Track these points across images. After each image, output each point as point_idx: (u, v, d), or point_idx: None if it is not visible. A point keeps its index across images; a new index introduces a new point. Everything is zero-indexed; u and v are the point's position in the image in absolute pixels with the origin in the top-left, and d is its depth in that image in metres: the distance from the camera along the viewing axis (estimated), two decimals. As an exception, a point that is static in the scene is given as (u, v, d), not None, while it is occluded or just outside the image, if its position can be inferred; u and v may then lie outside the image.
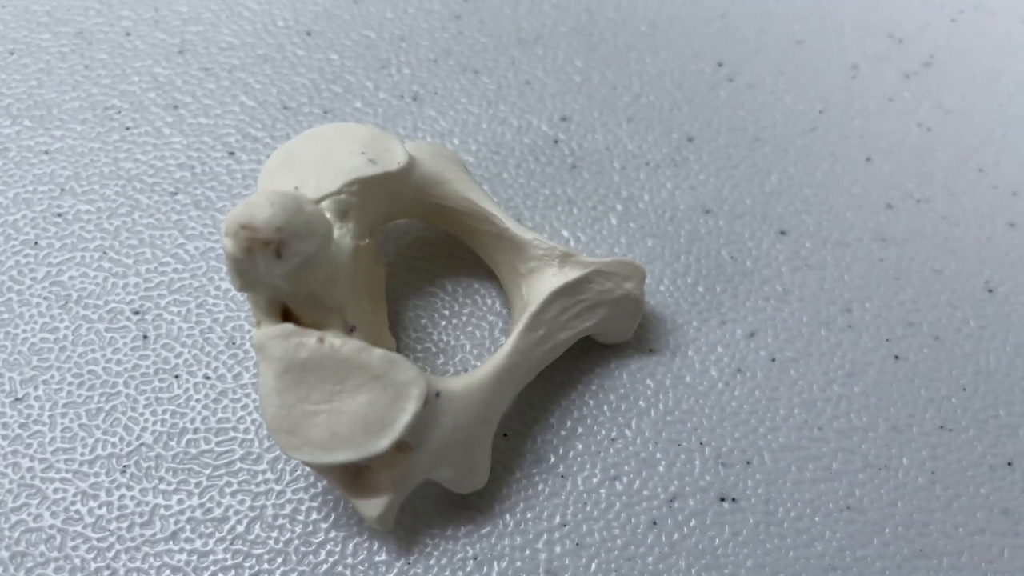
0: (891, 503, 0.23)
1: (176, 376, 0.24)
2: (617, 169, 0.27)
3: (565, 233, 0.26)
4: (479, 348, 0.25)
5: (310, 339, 0.20)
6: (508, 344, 0.22)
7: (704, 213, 0.27)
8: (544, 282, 0.23)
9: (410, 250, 0.26)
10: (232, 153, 0.27)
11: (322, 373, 0.20)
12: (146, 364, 0.24)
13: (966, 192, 0.28)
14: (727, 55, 0.30)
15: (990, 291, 0.26)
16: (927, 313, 0.26)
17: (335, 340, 0.20)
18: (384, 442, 0.20)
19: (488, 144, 0.28)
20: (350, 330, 0.21)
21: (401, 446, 0.20)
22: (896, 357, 0.25)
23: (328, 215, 0.21)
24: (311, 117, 0.28)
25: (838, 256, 0.26)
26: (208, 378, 0.24)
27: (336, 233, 0.21)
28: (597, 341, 0.24)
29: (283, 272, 0.19)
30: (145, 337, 0.25)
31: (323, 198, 0.22)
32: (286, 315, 0.21)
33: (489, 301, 0.25)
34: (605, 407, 0.24)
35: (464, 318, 0.25)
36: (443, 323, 0.25)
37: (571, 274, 0.23)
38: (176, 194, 0.27)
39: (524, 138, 0.28)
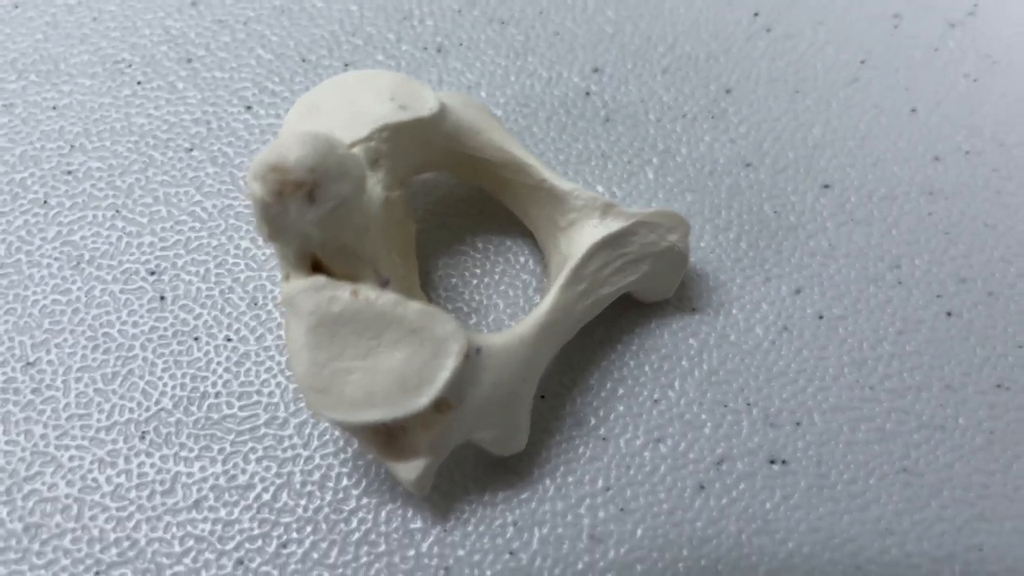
0: (948, 465, 0.22)
1: (196, 339, 0.23)
2: (652, 121, 0.26)
3: (600, 188, 0.25)
4: (512, 308, 0.24)
5: (344, 292, 0.19)
6: (549, 299, 0.21)
7: (745, 167, 0.26)
8: (585, 234, 0.21)
9: (440, 206, 0.25)
10: (249, 107, 0.26)
11: (357, 327, 0.19)
12: (164, 326, 0.23)
13: (1017, 144, 0.26)
14: (764, 4, 0.29)
15: (1044, 246, 0.25)
16: (980, 269, 0.25)
17: (370, 293, 0.19)
18: (423, 400, 0.19)
19: (517, 97, 0.26)
20: (384, 283, 0.20)
21: (440, 405, 0.19)
22: (949, 314, 0.24)
23: (358, 163, 0.20)
24: (331, 70, 0.27)
25: (885, 210, 0.25)
26: (230, 340, 0.23)
27: (368, 182, 0.20)
28: (637, 299, 0.23)
29: (316, 218, 0.18)
30: (162, 298, 0.23)
31: (353, 145, 0.20)
32: (316, 268, 0.20)
33: (522, 259, 0.24)
34: (647, 367, 0.23)
35: (496, 276, 0.24)
36: (475, 282, 0.24)
37: (613, 226, 0.21)
38: (192, 150, 0.25)
39: (554, 90, 0.27)
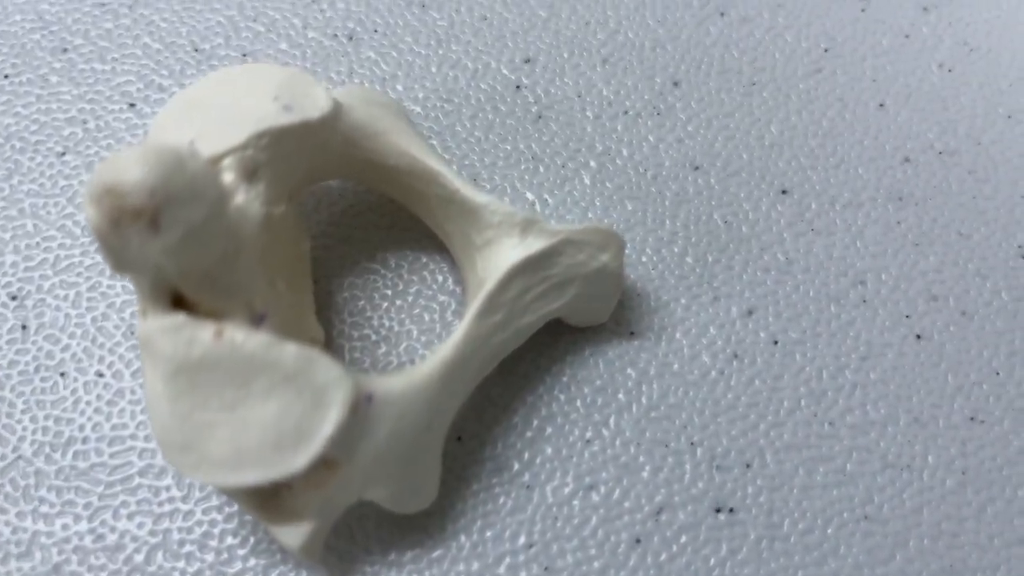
0: (915, 510, 0.20)
1: (62, 374, 0.20)
2: (590, 119, 0.23)
3: (530, 196, 0.22)
4: (428, 334, 0.21)
5: (205, 333, 0.16)
6: (459, 332, 0.18)
7: (693, 170, 0.23)
8: (502, 255, 0.19)
9: (344, 217, 0.22)
10: (133, 105, 0.23)
11: (222, 375, 0.16)
12: (25, 360, 0.20)
13: (995, 142, 0.24)
14: (717, -15, 0.26)
15: (1025, 257, 0.23)
16: (953, 285, 0.22)
17: (237, 334, 0.16)
18: (301, 459, 0.16)
19: (438, 91, 0.23)
20: (259, 319, 0.17)
21: (326, 462, 0.16)
22: (918, 337, 0.21)
23: (231, 175, 0.17)
24: (227, 61, 0.24)
25: (849, 219, 0.23)
26: (101, 375, 0.20)
27: (241, 197, 0.17)
28: (568, 324, 0.21)
29: (162, 248, 0.15)
30: (24, 327, 0.20)
31: (225, 154, 0.17)
32: (179, 301, 0.17)
33: (440, 277, 0.21)
34: (578, 402, 0.20)
35: (410, 298, 0.21)
36: (384, 305, 0.21)
37: (535, 245, 0.19)
38: (64, 154, 0.22)
39: (481, 83, 0.24)
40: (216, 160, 0.17)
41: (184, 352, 0.16)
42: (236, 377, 0.16)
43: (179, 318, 0.16)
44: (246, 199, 0.17)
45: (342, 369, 0.16)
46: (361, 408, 0.16)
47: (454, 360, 0.18)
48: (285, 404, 0.16)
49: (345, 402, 0.16)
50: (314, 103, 0.18)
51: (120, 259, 0.15)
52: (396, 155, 0.19)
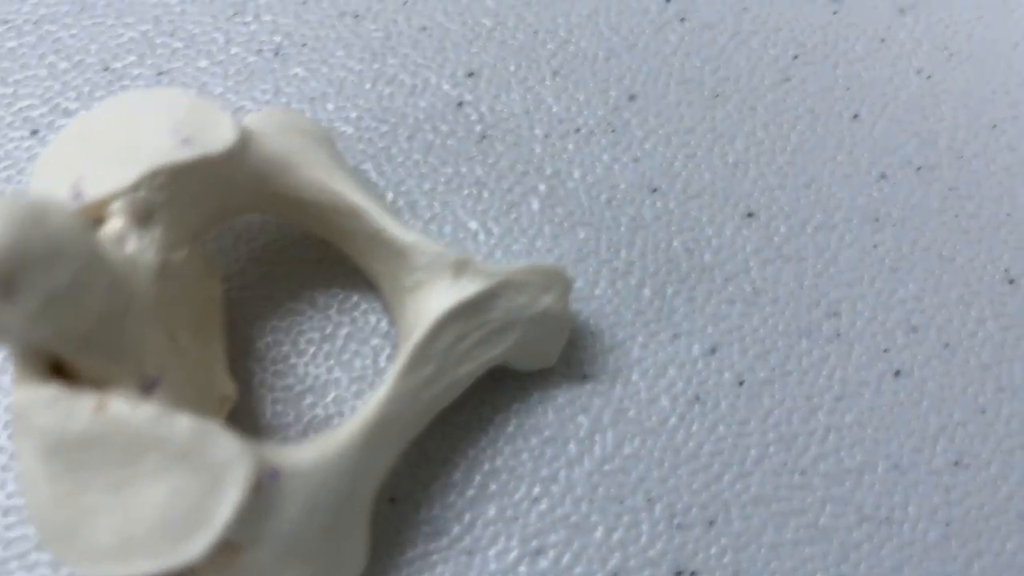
0: (895, 568, 0.18)
1: (-48, 436, 0.18)
2: (539, 138, 0.21)
3: (473, 225, 0.20)
4: (359, 383, 0.19)
5: (85, 405, 0.14)
6: (382, 390, 0.16)
7: (650, 192, 0.21)
8: (433, 300, 0.17)
9: (266, 253, 0.20)
10: (35, 132, 0.21)
11: (105, 453, 0.14)
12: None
13: (978, 155, 0.22)
14: (677, -12, 0.24)
15: (1011, 282, 0.21)
16: (934, 314, 0.20)
17: (121, 406, 0.14)
18: (197, 546, 0.14)
19: (373, 110, 0.21)
20: (150, 385, 0.15)
21: (229, 546, 0.14)
22: (897, 373, 0.20)
23: (120, 220, 0.15)
24: (141, 81, 0.21)
25: (821, 243, 0.21)
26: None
27: (132, 245, 0.15)
28: (512, 367, 0.19)
29: (19, 317, 0.13)
30: (-90, 384, 0.18)
31: (113, 196, 0.15)
32: (57, 367, 0.15)
33: (372, 318, 0.19)
34: (525, 455, 0.18)
35: (339, 343, 0.19)
36: (311, 350, 0.19)
37: (468, 288, 0.17)
38: (-42, 188, 0.20)
39: (420, 101, 0.22)
40: (103, 203, 0.15)
41: (62, 427, 0.14)
42: (122, 455, 0.14)
43: (53, 390, 0.14)
44: (138, 247, 0.15)
45: (241, 444, 0.14)
46: (265, 486, 0.14)
47: (377, 422, 0.16)
48: (178, 485, 0.14)
49: (245, 481, 0.14)
50: (217, 135, 0.16)
51: (-24, 327, 0.13)
52: (315, 190, 0.17)
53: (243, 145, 0.17)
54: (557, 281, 0.17)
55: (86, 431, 0.14)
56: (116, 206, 0.15)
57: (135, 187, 0.16)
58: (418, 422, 0.17)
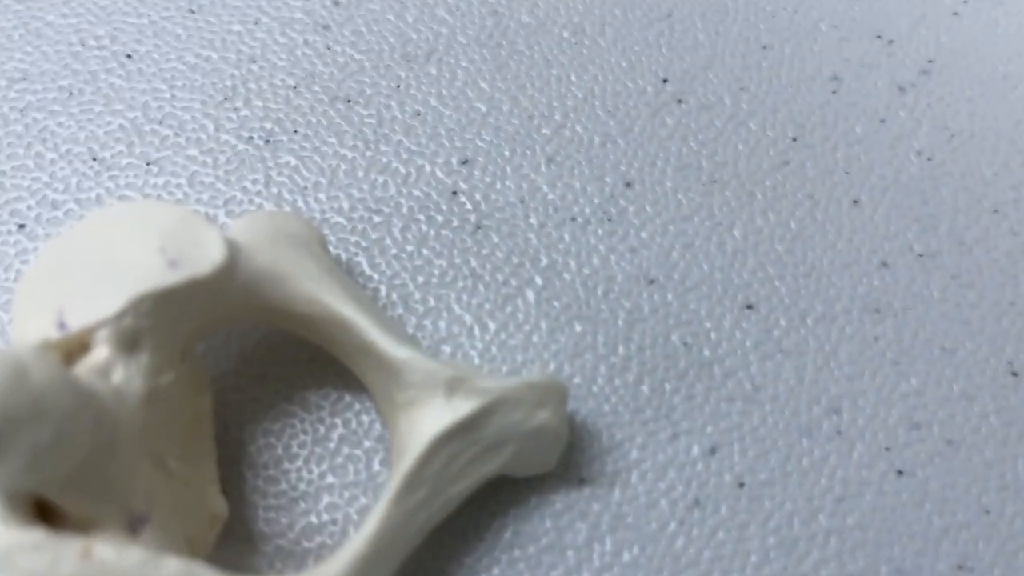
0: None
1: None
2: (534, 227, 0.21)
3: (468, 319, 0.20)
4: (352, 489, 0.18)
5: (70, 551, 0.14)
6: (375, 519, 0.16)
7: (648, 284, 0.21)
8: (427, 419, 0.16)
9: (257, 352, 0.20)
10: (23, 226, 0.21)
11: (90, 600, 0.13)
12: None
13: (980, 241, 0.22)
14: (674, 68, 0.23)
15: (1015, 375, 0.20)
16: (937, 409, 0.20)
17: (107, 551, 0.14)
18: None
19: (366, 200, 0.21)
20: (138, 523, 0.14)
21: None
22: (900, 472, 0.19)
23: (105, 350, 0.15)
24: (130, 171, 0.21)
25: (821, 336, 0.20)
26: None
27: (119, 376, 0.15)
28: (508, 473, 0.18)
29: (3, 473, 0.12)
30: None
31: (98, 325, 0.15)
32: (42, 509, 0.14)
33: (365, 419, 0.19)
34: (521, 565, 0.18)
35: (332, 445, 0.19)
36: (303, 454, 0.19)
37: (463, 408, 0.16)
38: (-56, 286, 0.20)
39: (413, 190, 0.21)
40: (87, 333, 0.15)
41: (48, 573, 0.14)
42: (107, 603, 0.14)
43: (38, 535, 0.14)
44: (124, 376, 0.15)
45: (230, 589, 0.14)
46: (255, 630, 0.14)
47: (370, 553, 0.15)
48: (164, 633, 0.14)
49: (234, 628, 0.14)
50: (205, 254, 0.16)
51: (-43, 480, 0.13)
52: (303, 302, 0.17)
53: (231, 263, 0.16)
54: (553, 395, 0.17)
55: (72, 578, 0.13)
56: (101, 335, 0.15)
57: (121, 315, 0.15)
58: (411, 544, 0.17)
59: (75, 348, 0.15)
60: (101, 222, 0.17)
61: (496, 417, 0.17)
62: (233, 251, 0.16)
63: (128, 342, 0.15)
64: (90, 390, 0.14)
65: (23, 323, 0.15)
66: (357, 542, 0.15)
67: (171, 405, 0.16)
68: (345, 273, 0.18)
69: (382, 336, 0.17)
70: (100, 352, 0.15)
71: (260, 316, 0.17)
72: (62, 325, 0.15)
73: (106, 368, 0.15)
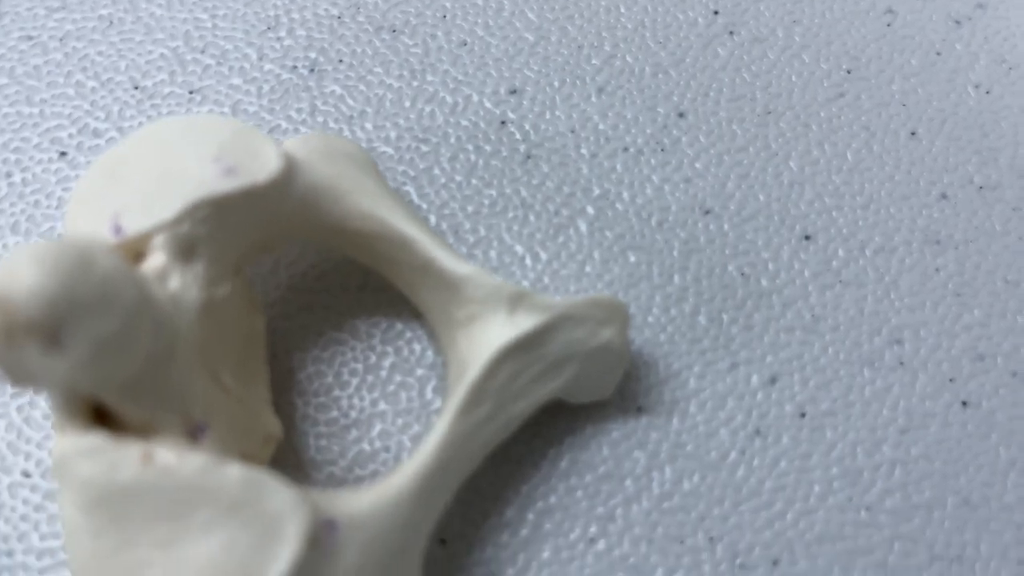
0: (969, 610, 0.17)
1: (-18, 475, 0.17)
2: (585, 158, 0.21)
3: (519, 249, 0.20)
4: (405, 416, 0.18)
5: (130, 456, 0.13)
6: (438, 432, 0.15)
7: (703, 214, 0.20)
8: (488, 335, 0.16)
9: (306, 280, 0.19)
10: (64, 153, 0.20)
11: (152, 506, 0.13)
12: (-61, 459, 0.17)
13: (1041, 173, 0.21)
14: (725, 0, 0.23)
15: (1080, 307, 0.20)
16: (1001, 341, 0.19)
17: (169, 456, 0.13)
18: (251, 604, 0.13)
19: (413, 129, 0.21)
20: (197, 431, 0.14)
21: (281, 600, 0.14)
22: (964, 404, 0.19)
23: (162, 256, 0.15)
24: (172, 100, 0.21)
25: (881, 267, 0.20)
26: (28, 475, 0.17)
27: (175, 283, 0.15)
28: (565, 400, 0.18)
29: (67, 366, 0.12)
30: (-62, 420, 0.18)
31: (154, 230, 0.15)
32: (100, 414, 0.14)
33: (417, 347, 0.19)
34: (579, 493, 0.18)
35: (383, 373, 0.18)
36: (355, 382, 0.18)
37: (525, 323, 0.16)
38: (-15, 213, 0.19)
39: (461, 119, 0.21)
40: (144, 239, 0.15)
41: (106, 479, 0.13)
42: (170, 508, 0.13)
43: (97, 439, 0.13)
44: (181, 284, 0.15)
45: (296, 494, 0.13)
46: (323, 539, 0.14)
47: (434, 467, 0.15)
48: (230, 539, 0.13)
49: (302, 534, 0.13)
50: (262, 164, 0.16)
51: (16, 375, 0.12)
52: (362, 219, 0.16)
53: (288, 174, 0.16)
54: (616, 314, 0.17)
55: (132, 483, 0.13)
56: (158, 241, 0.15)
57: (177, 220, 0.15)
58: (473, 462, 0.16)
59: (130, 254, 0.15)
60: (155, 134, 0.16)
61: (559, 333, 0.16)
62: (290, 163, 0.16)
63: (185, 249, 0.15)
64: (150, 288, 0.13)
65: (77, 228, 0.15)
66: (422, 455, 0.15)
67: (225, 320, 0.16)
68: (398, 193, 0.17)
69: (443, 252, 0.16)
70: (156, 258, 0.15)
71: (315, 233, 0.17)
72: (118, 229, 0.15)
73: (163, 274, 0.14)
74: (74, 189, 0.16)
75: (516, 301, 0.16)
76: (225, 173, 0.15)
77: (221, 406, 0.15)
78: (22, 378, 0.12)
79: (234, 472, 0.13)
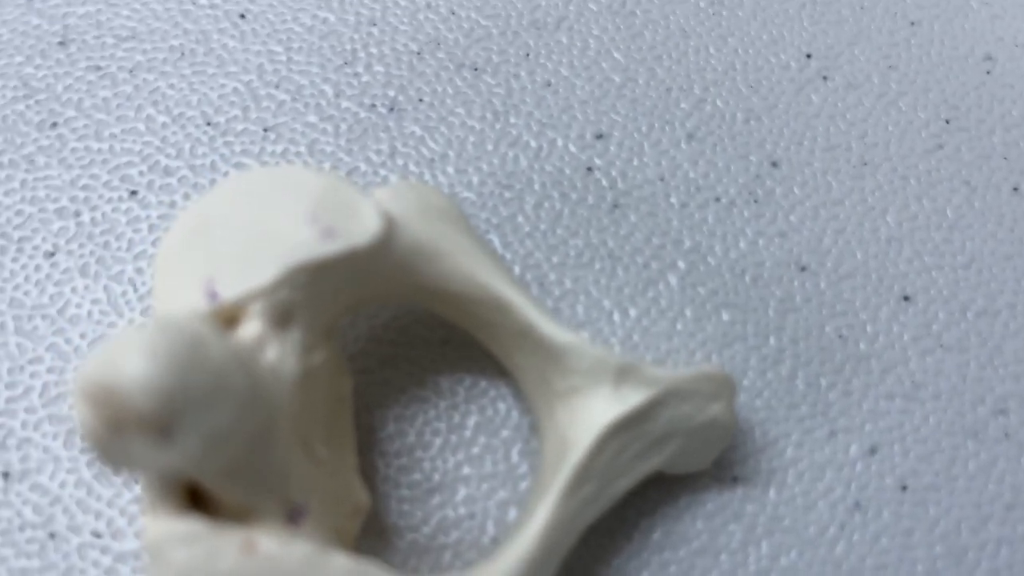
0: None
1: (51, 534, 0.17)
2: (675, 208, 0.20)
3: (606, 303, 0.19)
4: (490, 481, 0.17)
5: (231, 544, 0.12)
6: (542, 516, 0.14)
7: (799, 271, 0.19)
8: (593, 410, 0.15)
9: (387, 333, 0.18)
10: (134, 192, 0.19)
11: (253, 598, 0.12)
12: (7, 516, 0.17)
13: None
14: (817, 43, 0.22)
15: None
16: (1110, 413, 0.19)
17: (271, 544, 0.12)
18: None
19: (496, 175, 0.20)
20: (296, 514, 0.13)
21: None
22: (1073, 480, 0.18)
23: (258, 324, 0.14)
24: (245, 137, 0.20)
25: (983, 331, 0.19)
26: (99, 536, 0.17)
27: (273, 353, 0.14)
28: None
29: (176, 458, 0.11)
30: (6, 475, 0.17)
31: (252, 297, 0.14)
32: (194, 496, 0.13)
33: (502, 406, 0.18)
34: (673, 568, 0.17)
35: (468, 434, 0.18)
36: (437, 442, 0.18)
37: (632, 398, 0.15)
38: (54, 254, 0.19)
39: (546, 165, 0.20)
40: (239, 305, 0.14)
41: (205, 568, 0.12)
42: (272, 601, 0.12)
43: (196, 525, 0.12)
44: (279, 354, 0.14)
45: (405, 590, 0.12)
46: (429, 635, 0.13)
47: (538, 554, 0.14)
48: (334, 636, 0.12)
49: (410, 633, 0.12)
50: (361, 224, 0.15)
51: (118, 463, 0.12)
52: (462, 281, 0.16)
53: (388, 235, 0.15)
54: (724, 389, 0.16)
55: (233, 572, 0.12)
56: (254, 308, 0.14)
57: (275, 287, 0.14)
58: (570, 542, 0.15)
59: (224, 321, 0.14)
60: (243, 188, 0.15)
61: (666, 409, 0.15)
62: (389, 222, 0.15)
63: (282, 316, 0.14)
64: (252, 370, 0.13)
65: (170, 292, 0.14)
66: (526, 540, 0.14)
67: (318, 387, 0.15)
68: (493, 252, 0.16)
69: (544, 319, 0.15)
70: (253, 326, 0.14)
71: (411, 294, 0.16)
72: (213, 295, 0.14)
73: (260, 344, 0.14)
74: (161, 245, 0.15)
75: (622, 374, 0.15)
76: (323, 235, 0.14)
77: (316, 481, 0.14)
78: (124, 465, 0.12)
79: (340, 562, 0.12)
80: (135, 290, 0.18)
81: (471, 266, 0.16)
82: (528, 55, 0.21)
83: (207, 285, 0.14)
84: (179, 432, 0.11)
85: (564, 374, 0.15)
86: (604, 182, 0.20)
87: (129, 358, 0.11)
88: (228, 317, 0.14)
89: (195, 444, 0.11)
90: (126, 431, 0.11)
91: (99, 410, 0.11)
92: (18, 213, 0.19)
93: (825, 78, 0.21)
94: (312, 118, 0.20)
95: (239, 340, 0.14)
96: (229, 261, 0.14)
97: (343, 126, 0.20)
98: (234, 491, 0.13)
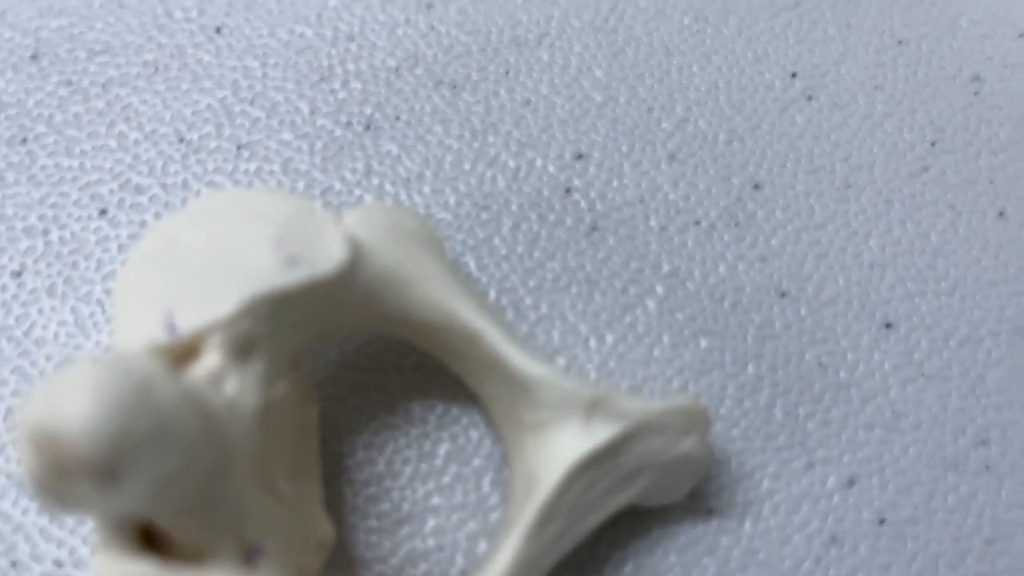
0: None
1: (13, 563, 0.16)
2: (655, 231, 0.19)
3: (583, 329, 0.18)
4: (460, 512, 0.17)
5: (183, 587, 0.12)
6: (507, 555, 0.14)
7: (779, 297, 0.19)
8: (562, 445, 0.15)
9: (358, 359, 0.18)
10: (104, 211, 0.19)
11: (204, 642, 0.12)
12: (-33, 544, 0.16)
13: None
14: (803, 62, 0.22)
15: None
16: (1094, 445, 0.18)
17: (224, 587, 0.12)
18: None
19: (473, 195, 0.19)
20: (253, 553, 0.13)
21: None
22: (1055, 514, 0.18)
23: (217, 356, 0.13)
24: (219, 155, 0.20)
25: (966, 359, 0.19)
26: (60, 565, 0.16)
27: (232, 387, 0.13)
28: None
29: (123, 501, 0.11)
30: (-33, 501, 0.17)
31: (211, 328, 0.14)
32: (149, 534, 0.13)
33: (474, 434, 0.18)
34: (645, 602, 0.16)
35: (438, 463, 0.17)
36: (407, 471, 0.17)
37: (602, 433, 0.15)
38: (21, 274, 0.18)
39: (524, 185, 0.20)
40: (199, 337, 0.13)
41: (155, 610, 0.12)
42: (223, 646, 0.12)
43: (147, 568, 0.12)
44: (239, 388, 0.13)
45: (362, 636, 0.12)
46: None
47: (502, 592, 0.14)
48: None
49: None
50: (326, 251, 0.14)
51: (66, 505, 0.11)
52: (430, 309, 0.15)
53: (354, 263, 0.15)
54: (698, 422, 0.16)
55: (184, 617, 0.12)
56: (213, 340, 0.14)
57: (236, 318, 0.14)
58: (538, 577, 0.15)
59: (182, 353, 0.14)
60: (209, 210, 0.15)
61: (637, 443, 0.15)
62: (356, 249, 0.15)
63: (243, 348, 0.14)
64: (208, 406, 0.12)
65: (127, 322, 0.14)
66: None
67: (281, 419, 0.15)
68: (466, 277, 0.16)
69: (514, 350, 0.15)
70: (211, 359, 0.13)
71: (379, 322, 0.16)
72: (172, 327, 0.13)
73: (218, 378, 0.13)
74: (121, 269, 0.15)
75: (593, 407, 0.15)
76: (287, 263, 0.14)
77: (276, 518, 0.14)
78: (72, 507, 0.11)
79: (294, 608, 0.12)
80: (103, 311, 0.18)
81: (440, 294, 0.15)
82: (508, 72, 0.21)
83: (166, 316, 0.14)
84: (125, 476, 0.11)
85: (533, 407, 0.15)
86: (583, 204, 0.20)
87: (73, 401, 0.10)
88: (187, 348, 0.14)
89: (142, 488, 0.11)
90: (71, 476, 0.11)
91: (42, 455, 0.11)
92: (-15, 231, 0.19)
93: (810, 98, 0.21)
94: (287, 135, 0.20)
95: (196, 375, 0.13)
96: (190, 289, 0.14)
97: (318, 144, 0.20)
98: (188, 531, 0.13)
